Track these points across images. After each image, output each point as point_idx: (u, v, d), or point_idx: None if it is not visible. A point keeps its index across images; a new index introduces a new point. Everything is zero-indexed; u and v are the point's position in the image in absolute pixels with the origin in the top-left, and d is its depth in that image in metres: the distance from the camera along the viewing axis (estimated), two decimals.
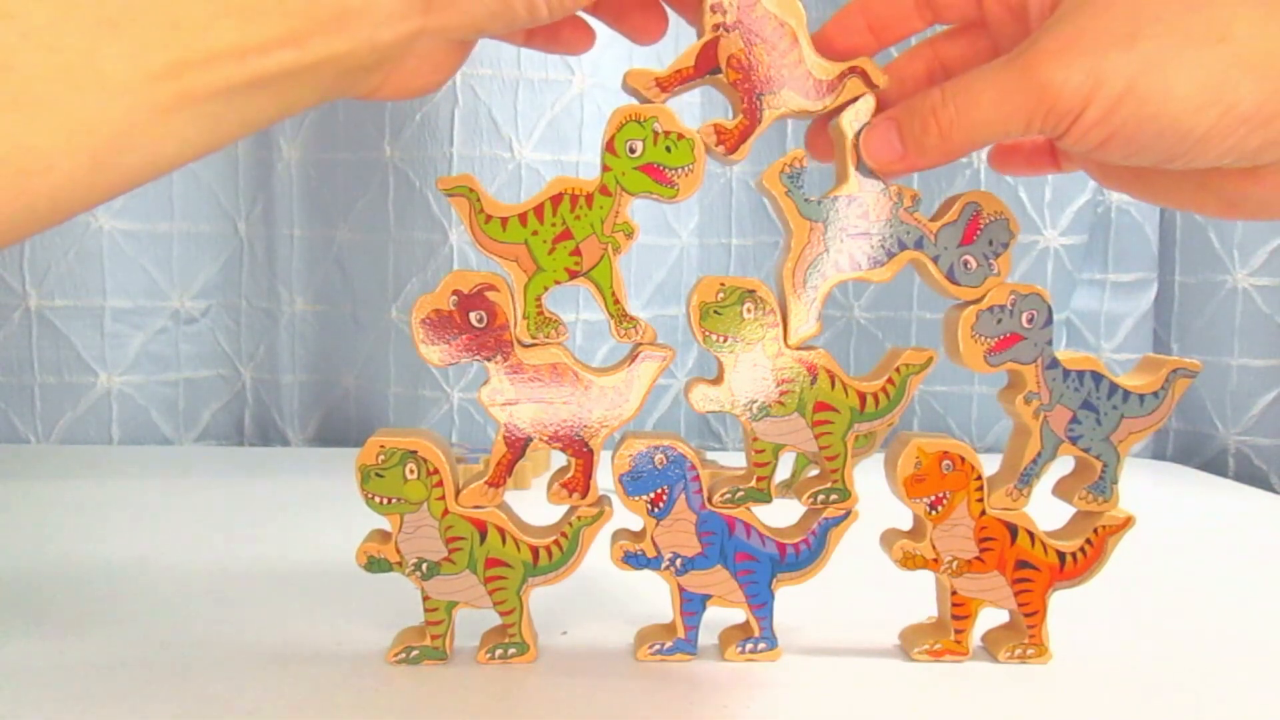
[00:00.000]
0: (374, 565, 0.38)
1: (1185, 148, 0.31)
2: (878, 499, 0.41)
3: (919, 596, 0.42)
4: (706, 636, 0.40)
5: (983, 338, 0.38)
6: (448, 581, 0.38)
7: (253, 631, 0.42)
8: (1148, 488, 0.77)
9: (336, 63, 0.29)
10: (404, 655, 0.39)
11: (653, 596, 0.42)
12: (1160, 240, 0.90)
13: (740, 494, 0.39)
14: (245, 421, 0.94)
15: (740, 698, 0.37)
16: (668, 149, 0.36)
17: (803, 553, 0.40)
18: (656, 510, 0.38)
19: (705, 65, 0.37)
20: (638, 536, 0.39)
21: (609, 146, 0.36)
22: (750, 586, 0.39)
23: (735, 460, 0.50)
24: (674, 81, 0.37)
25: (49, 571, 0.50)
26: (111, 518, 0.62)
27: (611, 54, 0.83)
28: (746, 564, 0.39)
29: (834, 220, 0.38)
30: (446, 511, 0.37)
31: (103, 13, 0.25)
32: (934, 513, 0.39)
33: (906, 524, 0.41)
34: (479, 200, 0.36)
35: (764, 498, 0.39)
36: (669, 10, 0.37)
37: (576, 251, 0.37)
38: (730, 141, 0.37)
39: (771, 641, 0.40)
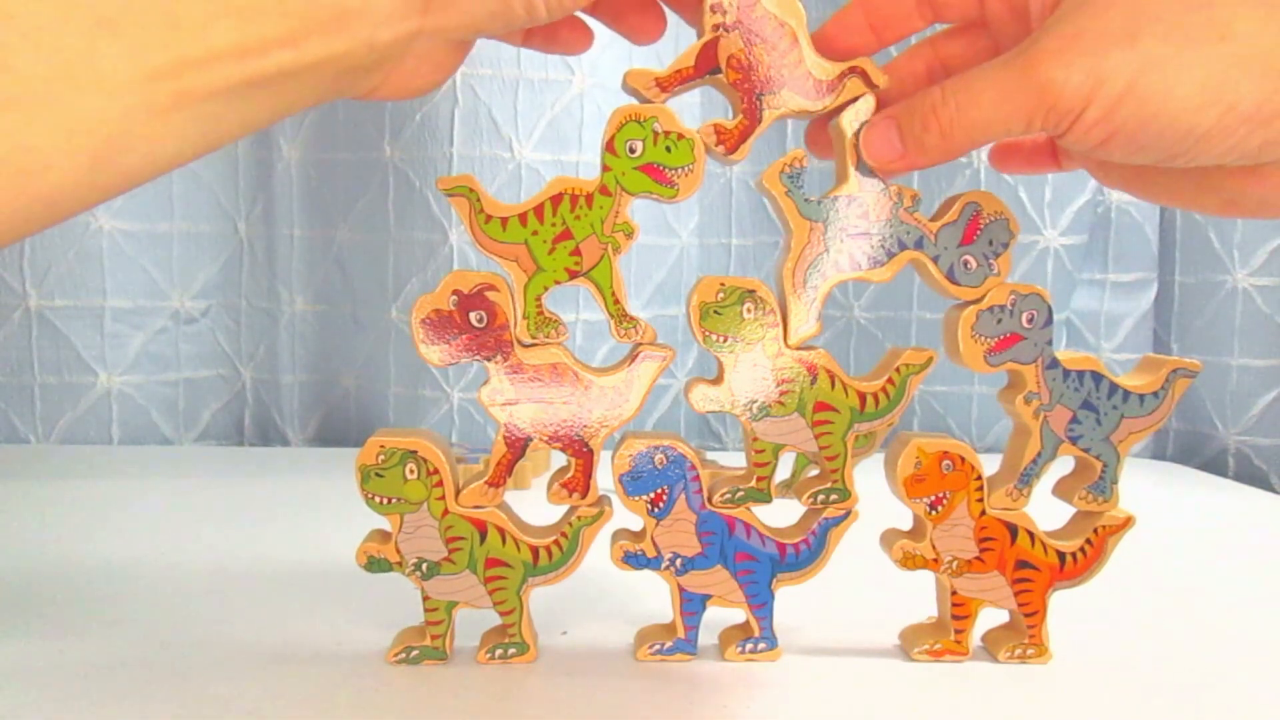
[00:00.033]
0: (374, 565, 0.38)
1: (1186, 146, 0.31)
2: (878, 499, 0.41)
3: (919, 596, 0.42)
4: (706, 636, 0.40)
5: (983, 338, 0.38)
6: (448, 581, 0.38)
7: (253, 631, 0.42)
8: (1148, 488, 0.77)
9: (335, 63, 0.29)
10: (404, 655, 0.39)
11: (653, 596, 0.42)
12: (1160, 240, 0.90)
13: (740, 494, 0.39)
14: (245, 421, 0.94)
15: (740, 698, 0.37)
16: (668, 149, 0.36)
17: (803, 553, 0.40)
18: (656, 510, 0.38)
19: (705, 65, 0.37)
20: (638, 536, 0.39)
21: (609, 146, 0.36)
22: (750, 586, 0.39)
23: (735, 460, 0.50)
24: (674, 81, 0.37)
25: (49, 571, 0.50)
26: (111, 518, 0.62)
27: (611, 54, 0.83)
28: (746, 564, 0.39)
29: (834, 220, 0.38)
30: (446, 511, 0.37)
31: (101, 13, 0.25)
32: (934, 513, 0.39)
33: (906, 524, 0.41)
34: (479, 200, 0.36)
35: (764, 498, 0.39)
36: (668, 10, 0.37)
37: (576, 251, 0.37)
38: (730, 141, 0.37)
39: (771, 641, 0.40)
